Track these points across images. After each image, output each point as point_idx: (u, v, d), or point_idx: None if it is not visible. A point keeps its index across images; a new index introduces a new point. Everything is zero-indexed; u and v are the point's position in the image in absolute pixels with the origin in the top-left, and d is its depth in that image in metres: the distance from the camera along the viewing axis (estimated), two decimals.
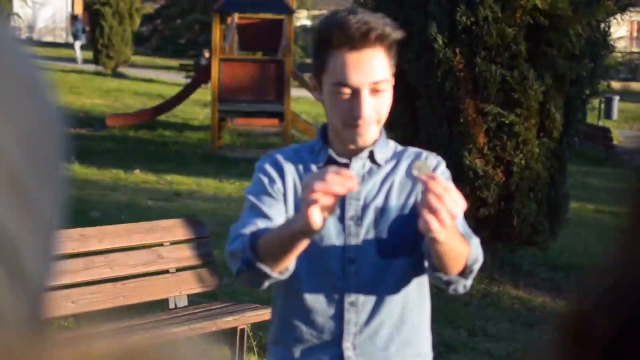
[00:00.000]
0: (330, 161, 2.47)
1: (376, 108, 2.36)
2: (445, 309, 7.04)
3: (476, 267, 2.35)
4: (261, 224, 2.38)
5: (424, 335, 2.58)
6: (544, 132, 7.89)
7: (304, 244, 2.23)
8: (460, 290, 2.39)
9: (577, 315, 0.53)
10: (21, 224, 0.51)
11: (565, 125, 7.95)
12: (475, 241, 2.39)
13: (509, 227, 7.96)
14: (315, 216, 2.08)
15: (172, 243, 5.59)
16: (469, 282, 2.38)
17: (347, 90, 2.34)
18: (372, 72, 2.33)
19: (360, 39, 2.31)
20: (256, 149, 16.73)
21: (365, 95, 2.33)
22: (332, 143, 2.49)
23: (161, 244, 5.55)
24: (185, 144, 17.44)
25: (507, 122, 7.69)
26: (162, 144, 17.08)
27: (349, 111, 2.35)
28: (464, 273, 2.33)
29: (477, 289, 7.72)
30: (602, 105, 24.85)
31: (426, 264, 2.39)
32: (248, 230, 2.36)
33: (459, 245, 2.26)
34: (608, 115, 25.55)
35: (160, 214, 8.66)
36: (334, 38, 2.32)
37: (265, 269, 2.28)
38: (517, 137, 7.75)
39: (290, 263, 2.31)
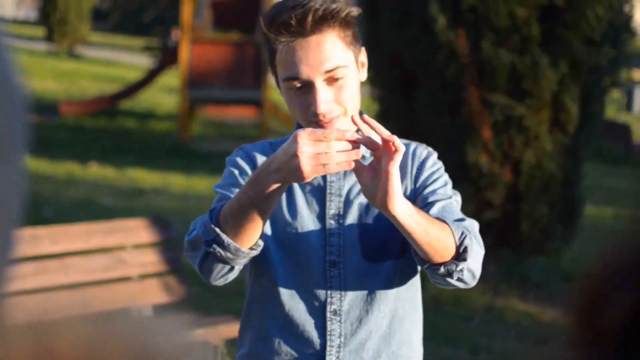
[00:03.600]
0: None
1: (337, 99, 2.37)
2: (444, 325, 7.07)
3: (467, 241, 2.33)
4: None
5: (415, 347, 2.60)
6: (558, 127, 7.93)
7: (275, 199, 2.24)
8: (468, 278, 2.38)
9: (589, 299, 0.55)
10: None
11: (581, 119, 7.99)
12: (467, 223, 2.40)
13: (517, 232, 8.01)
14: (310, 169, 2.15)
15: (136, 246, 5.59)
16: (471, 264, 2.36)
17: (299, 85, 2.35)
18: (323, 60, 2.34)
19: (299, 26, 2.32)
20: (230, 141, 16.73)
21: (320, 86, 2.34)
22: None
23: (123, 247, 5.55)
24: (150, 134, 17.42)
25: (516, 114, 7.72)
26: (123, 135, 17.06)
27: (305, 108, 2.36)
28: (458, 254, 2.34)
29: (480, 302, 7.75)
30: (623, 98, 24.96)
31: (420, 265, 2.40)
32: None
33: (431, 223, 2.28)
34: (629, 108, 25.66)
35: (121, 214, 8.66)
36: (272, 30, 2.34)
37: (234, 243, 2.27)
38: (527, 132, 7.79)
39: (259, 232, 2.30)
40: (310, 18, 2.31)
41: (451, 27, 7.72)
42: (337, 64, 2.35)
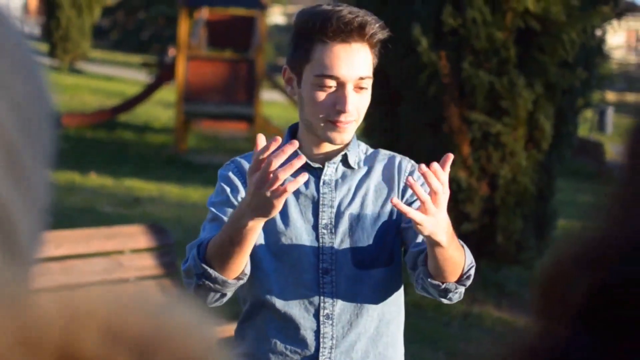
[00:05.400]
0: (302, 166, 2.54)
1: (357, 105, 2.42)
2: (425, 329, 7.11)
3: (472, 271, 2.43)
4: None
5: (399, 348, 2.65)
6: (533, 144, 7.96)
7: (253, 238, 2.29)
8: (456, 298, 2.46)
9: (554, 277, 0.59)
10: (15, 195, 0.56)
11: (555, 137, 8.03)
12: (466, 248, 2.47)
13: (493, 244, 8.02)
14: (280, 202, 2.20)
15: (133, 251, 5.62)
16: (464, 288, 2.45)
17: (332, 83, 2.40)
18: (359, 66, 2.40)
19: (351, 32, 2.37)
20: (223, 154, 16.74)
21: (351, 89, 2.39)
22: (303, 146, 2.52)
23: (121, 252, 5.58)
24: (147, 146, 17.40)
25: (493, 131, 7.76)
26: (121, 146, 17.04)
27: (332, 105, 2.40)
28: (461, 279, 2.42)
29: (458, 309, 7.79)
30: (596, 118, 25.01)
31: (417, 273, 2.46)
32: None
33: (457, 250, 2.35)
34: (601, 128, 25.71)
35: (118, 221, 8.66)
36: (327, 29, 2.38)
37: (221, 276, 2.32)
38: (504, 148, 7.82)
39: (243, 265, 2.36)
40: (367, 29, 2.38)
41: (433, 48, 7.77)
42: (368, 74, 2.42)
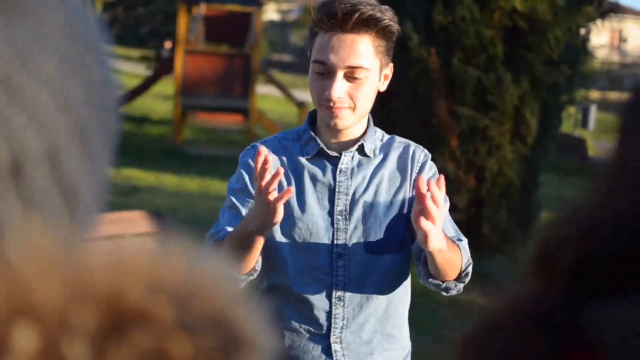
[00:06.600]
0: (320, 154, 2.55)
1: (350, 93, 2.43)
2: (412, 315, 7.15)
3: (470, 268, 2.46)
4: (231, 229, 2.46)
5: (405, 328, 2.69)
6: (518, 138, 8.00)
7: (260, 242, 2.34)
8: (455, 292, 2.50)
9: (546, 245, 0.61)
10: (83, 171, 0.60)
11: (539, 132, 8.07)
12: (465, 243, 2.50)
13: (479, 234, 8.05)
14: (279, 211, 2.25)
15: (135, 235, 5.67)
16: (462, 284, 2.48)
17: (323, 69, 2.41)
18: (350, 56, 2.40)
19: (343, 20, 2.38)
20: (219, 146, 16.78)
21: (339, 77, 2.41)
22: (321, 134, 2.56)
23: (124, 236, 5.63)
24: (145, 138, 17.41)
25: (480, 126, 7.80)
26: (120, 137, 17.05)
27: (322, 90, 2.42)
28: (459, 277, 2.45)
29: (444, 297, 7.82)
30: (579, 114, 25.05)
31: (419, 270, 2.49)
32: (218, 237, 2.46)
33: (453, 252, 2.38)
34: (584, 125, 25.74)
35: (118, 209, 8.69)
36: (322, 18, 2.40)
37: (232, 272, 2.36)
38: (491, 142, 7.86)
39: (254, 263, 2.39)
40: (355, 17, 2.37)
41: (424, 45, 7.81)
42: (360, 64, 2.40)
